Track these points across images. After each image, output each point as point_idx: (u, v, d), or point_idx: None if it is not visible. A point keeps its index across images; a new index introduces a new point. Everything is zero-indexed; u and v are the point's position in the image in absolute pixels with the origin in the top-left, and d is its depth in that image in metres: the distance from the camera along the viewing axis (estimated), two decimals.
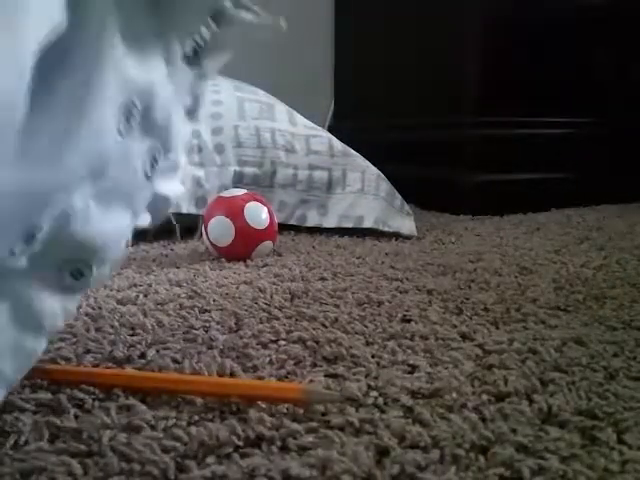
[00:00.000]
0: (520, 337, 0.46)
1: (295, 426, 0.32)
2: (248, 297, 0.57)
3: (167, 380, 0.37)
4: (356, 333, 0.47)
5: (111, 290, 0.60)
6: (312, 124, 1.03)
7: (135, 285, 0.62)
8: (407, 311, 0.53)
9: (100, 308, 0.53)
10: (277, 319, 0.51)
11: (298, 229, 0.95)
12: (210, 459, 0.29)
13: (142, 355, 0.43)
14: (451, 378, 0.38)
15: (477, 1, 1.17)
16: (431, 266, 0.71)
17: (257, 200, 0.76)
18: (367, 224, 0.93)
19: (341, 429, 0.32)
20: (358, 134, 1.25)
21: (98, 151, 0.22)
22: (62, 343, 0.44)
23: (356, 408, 0.34)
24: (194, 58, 0.26)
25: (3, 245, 0.20)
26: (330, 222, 0.94)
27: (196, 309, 0.54)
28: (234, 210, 0.74)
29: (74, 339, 0.45)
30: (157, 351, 0.43)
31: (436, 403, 0.35)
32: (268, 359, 0.42)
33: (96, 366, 0.41)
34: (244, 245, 0.74)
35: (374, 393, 0.36)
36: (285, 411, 0.34)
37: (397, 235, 0.92)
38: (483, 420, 0.33)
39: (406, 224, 0.93)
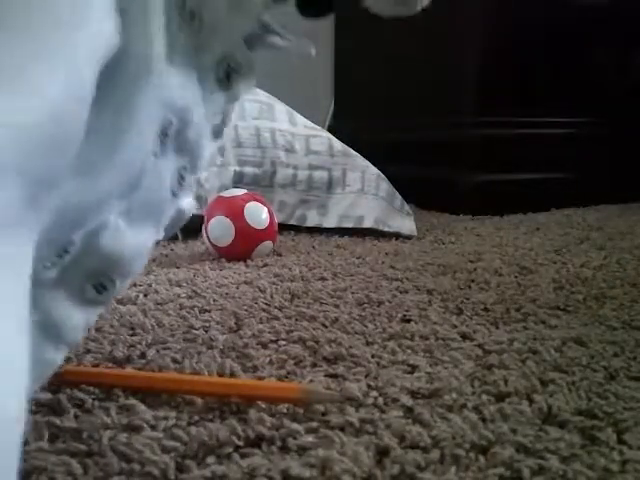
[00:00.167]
0: (520, 337, 0.46)
1: (295, 426, 0.32)
2: (248, 297, 0.57)
3: (167, 380, 0.37)
4: (356, 333, 0.47)
5: None
6: (312, 124, 1.03)
7: (135, 285, 0.62)
8: (407, 311, 0.53)
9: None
10: (277, 319, 0.51)
11: (298, 229, 0.95)
12: (210, 459, 0.29)
13: (142, 355, 0.43)
14: (451, 378, 0.38)
15: (477, 1, 1.17)
16: (431, 266, 0.71)
17: (257, 200, 0.76)
18: (367, 224, 0.93)
19: (341, 429, 0.32)
20: (358, 134, 1.25)
21: (134, 169, 0.22)
22: None
23: (356, 408, 0.34)
24: (226, 81, 0.26)
25: (40, 258, 0.20)
26: (330, 222, 0.94)
27: (196, 309, 0.54)
28: (234, 210, 0.74)
29: None
30: (157, 351, 0.43)
31: (436, 403, 0.35)
32: (268, 359, 0.42)
33: (96, 366, 0.41)
34: (244, 245, 0.74)
35: (374, 393, 0.36)
36: (285, 411, 0.34)
37: (397, 235, 0.92)
38: (483, 420, 0.33)
39: (406, 224, 0.93)
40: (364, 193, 0.96)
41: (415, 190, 1.13)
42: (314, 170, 0.96)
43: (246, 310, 0.53)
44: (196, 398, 0.35)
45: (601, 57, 1.27)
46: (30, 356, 0.20)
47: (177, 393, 0.35)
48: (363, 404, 0.35)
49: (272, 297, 0.57)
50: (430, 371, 0.40)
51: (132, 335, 0.47)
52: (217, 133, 0.27)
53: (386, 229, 0.92)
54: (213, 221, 0.74)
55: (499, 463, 0.29)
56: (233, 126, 0.95)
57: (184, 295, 0.58)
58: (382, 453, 0.30)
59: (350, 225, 0.93)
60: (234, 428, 0.31)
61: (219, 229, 0.74)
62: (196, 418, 0.33)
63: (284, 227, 0.92)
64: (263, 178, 0.95)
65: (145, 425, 0.32)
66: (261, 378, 0.39)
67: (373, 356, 0.43)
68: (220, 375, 0.39)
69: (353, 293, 0.59)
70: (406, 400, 0.35)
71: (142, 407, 0.34)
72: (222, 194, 0.78)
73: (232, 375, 0.39)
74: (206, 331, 0.48)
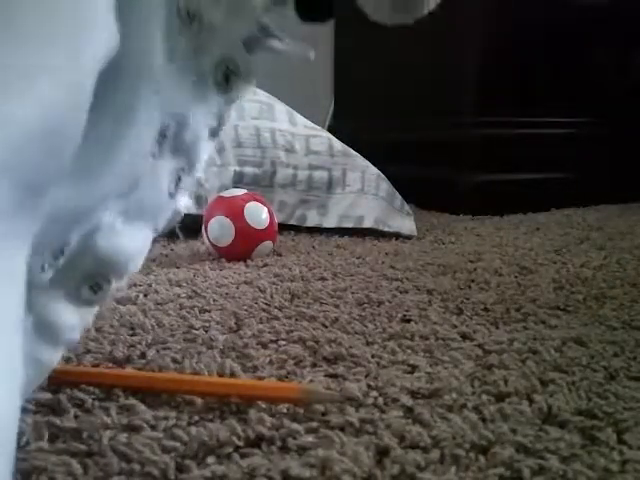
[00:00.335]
0: (520, 337, 0.46)
1: (295, 426, 0.32)
2: (248, 297, 0.57)
3: (167, 380, 0.37)
4: (356, 333, 0.47)
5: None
6: (312, 124, 1.03)
7: (135, 285, 0.62)
8: (407, 311, 0.53)
9: (100, 308, 0.53)
10: (277, 319, 0.51)
11: (298, 229, 0.95)
12: (210, 459, 0.29)
13: (142, 355, 0.43)
14: (451, 378, 0.38)
15: (477, 1, 1.17)
16: (431, 266, 0.71)
17: (257, 200, 0.76)
18: (367, 224, 0.93)
19: (341, 429, 0.32)
20: (358, 134, 1.25)
21: (132, 172, 0.22)
22: None
23: (356, 408, 0.34)
24: (224, 84, 0.26)
25: (37, 261, 0.20)
26: (330, 222, 0.94)
27: (196, 309, 0.54)
28: (234, 210, 0.74)
29: None
30: (157, 351, 0.43)
31: (436, 403, 0.35)
32: (268, 359, 0.42)
33: (96, 366, 0.41)
34: (244, 245, 0.74)
35: (374, 393, 0.36)
36: (285, 411, 0.34)
37: (397, 235, 0.92)
38: (483, 420, 0.33)
39: (406, 224, 0.93)
40: (364, 193, 0.96)
41: (415, 190, 1.13)
42: (314, 170, 0.96)
43: (246, 310, 0.53)
44: (196, 398, 0.35)
45: (601, 57, 1.27)
46: (26, 356, 0.20)
47: (177, 393, 0.35)
48: (363, 404, 0.35)
49: (272, 297, 0.57)
50: (430, 371, 0.40)
51: (132, 335, 0.47)
52: (214, 133, 0.27)
53: (386, 229, 0.92)
54: (213, 221, 0.74)
55: (499, 463, 0.29)
56: (233, 126, 0.95)
57: (184, 295, 0.58)
58: (382, 453, 0.30)
59: (350, 225, 0.93)
60: (234, 428, 0.31)
61: (219, 229, 0.74)
62: (196, 418, 0.33)
63: (284, 227, 0.92)
64: (263, 178, 0.95)
65: (145, 425, 0.32)
66: (261, 378, 0.39)
67: (373, 356, 0.43)
68: (220, 375, 0.39)
69: (353, 293, 0.59)
70: (406, 400, 0.35)
71: (142, 407, 0.34)
72: (222, 194, 0.78)
73: (232, 375, 0.39)
74: (206, 331, 0.48)
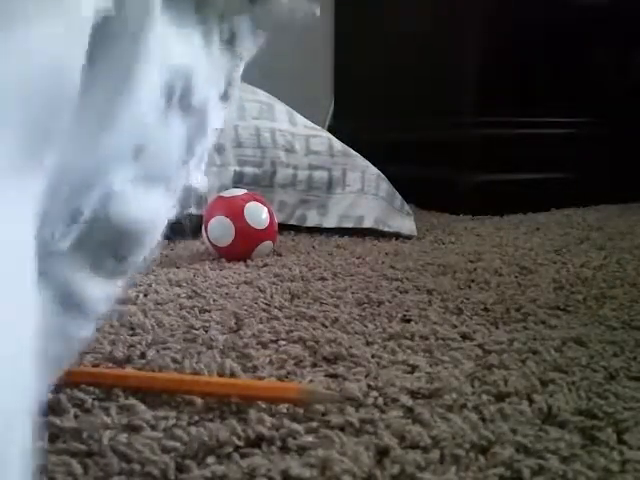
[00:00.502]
0: (520, 337, 0.46)
1: (295, 426, 0.32)
2: (248, 297, 0.57)
3: (167, 380, 0.37)
4: (356, 333, 0.47)
5: None
6: (312, 124, 1.03)
7: (135, 285, 0.62)
8: (407, 311, 0.53)
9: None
10: (277, 319, 0.51)
11: (298, 229, 0.95)
12: (210, 459, 0.29)
13: (142, 355, 0.43)
14: (451, 378, 0.38)
15: (477, 1, 1.17)
16: (431, 266, 0.71)
17: (257, 200, 0.76)
18: (367, 224, 0.93)
19: (341, 429, 0.32)
20: (358, 134, 1.25)
21: (138, 131, 0.22)
22: None
23: (356, 408, 0.34)
24: (230, 42, 0.25)
25: (47, 228, 0.20)
26: (330, 222, 0.94)
27: (196, 309, 0.54)
28: (234, 210, 0.74)
29: None
30: (157, 351, 0.43)
31: (436, 403, 0.35)
32: (268, 359, 0.42)
33: (96, 366, 0.41)
34: (244, 245, 0.74)
35: (374, 393, 0.36)
36: (285, 411, 0.34)
37: (397, 235, 0.92)
38: (483, 420, 0.33)
39: (406, 224, 0.93)
40: (364, 193, 0.96)
41: (415, 190, 1.13)
42: (314, 170, 0.96)
43: (246, 310, 0.53)
44: (196, 398, 0.35)
45: (601, 57, 1.27)
46: (54, 331, 0.20)
47: (177, 393, 0.35)
48: (363, 404, 0.35)
49: (272, 297, 0.57)
50: (430, 371, 0.40)
51: (132, 335, 0.47)
52: (224, 97, 0.26)
53: (386, 229, 0.92)
54: (213, 221, 0.74)
55: (499, 463, 0.29)
56: (233, 126, 0.95)
57: (184, 295, 0.58)
58: (382, 453, 0.30)
59: (350, 225, 0.93)
60: (234, 428, 0.31)
61: (219, 229, 0.74)
62: (196, 418, 0.33)
63: (284, 227, 0.92)
64: (263, 178, 0.95)
65: (145, 425, 0.32)
66: (261, 378, 0.39)
67: (373, 356, 0.43)
68: (220, 375, 0.39)
69: (353, 293, 0.59)
70: (406, 400, 0.35)
71: (142, 407, 0.34)
72: (222, 194, 0.78)
73: (232, 375, 0.39)
74: (206, 331, 0.48)
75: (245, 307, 0.54)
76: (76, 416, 0.33)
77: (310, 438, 0.31)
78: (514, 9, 1.18)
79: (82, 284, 0.22)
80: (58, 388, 0.36)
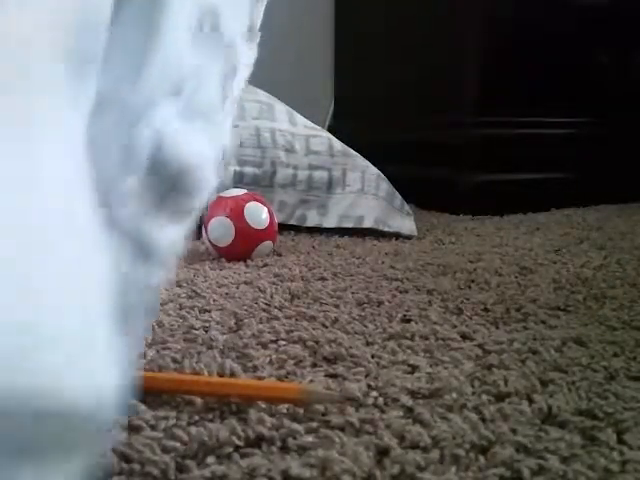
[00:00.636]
0: (520, 337, 0.46)
1: (295, 426, 0.32)
2: (248, 297, 0.57)
3: (167, 380, 0.37)
4: (356, 333, 0.47)
5: None
6: (312, 124, 1.03)
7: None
8: (407, 311, 0.53)
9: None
10: (277, 319, 0.51)
11: (298, 229, 0.94)
12: (210, 459, 0.29)
13: (142, 355, 0.43)
14: (451, 378, 0.38)
15: (477, 1, 1.17)
16: (431, 266, 0.71)
17: (257, 200, 0.76)
18: (367, 224, 0.93)
19: (341, 429, 0.32)
20: (358, 134, 1.25)
21: (176, 66, 0.21)
22: None
23: (356, 408, 0.34)
24: None
25: (106, 172, 0.20)
26: (330, 222, 0.94)
27: (196, 309, 0.54)
28: (234, 210, 0.74)
29: None
30: (157, 351, 0.43)
31: (436, 403, 0.35)
32: (268, 359, 0.42)
33: None
34: (244, 245, 0.74)
35: (374, 393, 0.36)
36: (285, 411, 0.34)
37: (397, 235, 0.92)
38: (483, 420, 0.33)
39: (406, 224, 0.93)
40: (364, 193, 0.96)
41: (415, 190, 1.13)
42: (314, 170, 0.96)
43: (246, 310, 0.53)
44: (196, 398, 0.35)
45: (601, 57, 1.27)
46: (126, 280, 0.20)
47: (177, 393, 0.35)
48: (363, 404, 0.35)
49: (272, 297, 0.57)
50: (430, 371, 0.40)
51: None
52: (250, 36, 0.26)
53: (386, 229, 0.92)
54: (213, 221, 0.74)
55: (499, 463, 0.29)
56: (233, 126, 0.95)
57: (184, 295, 0.58)
58: (382, 453, 0.30)
59: (350, 225, 0.93)
60: (234, 428, 0.31)
61: (219, 229, 0.74)
62: (196, 418, 0.33)
63: (284, 227, 0.92)
64: (263, 178, 0.95)
65: (145, 425, 0.32)
66: (261, 378, 0.39)
67: (373, 356, 0.43)
68: (220, 375, 0.39)
69: (353, 293, 0.59)
70: (406, 400, 0.35)
71: (142, 407, 0.34)
72: (222, 194, 0.78)
73: (232, 375, 0.39)
74: (206, 331, 0.48)
75: (245, 307, 0.54)
76: None
77: (310, 438, 0.31)
78: (514, 9, 1.18)
79: (149, 228, 0.21)
80: None
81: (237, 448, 0.30)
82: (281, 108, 1.02)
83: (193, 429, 0.31)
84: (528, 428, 0.32)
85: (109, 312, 0.16)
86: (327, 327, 0.49)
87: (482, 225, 1.03)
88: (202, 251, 0.80)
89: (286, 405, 0.34)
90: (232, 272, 0.68)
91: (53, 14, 0.15)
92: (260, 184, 0.94)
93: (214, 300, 0.56)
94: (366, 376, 0.39)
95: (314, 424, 0.32)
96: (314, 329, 0.48)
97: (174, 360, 0.42)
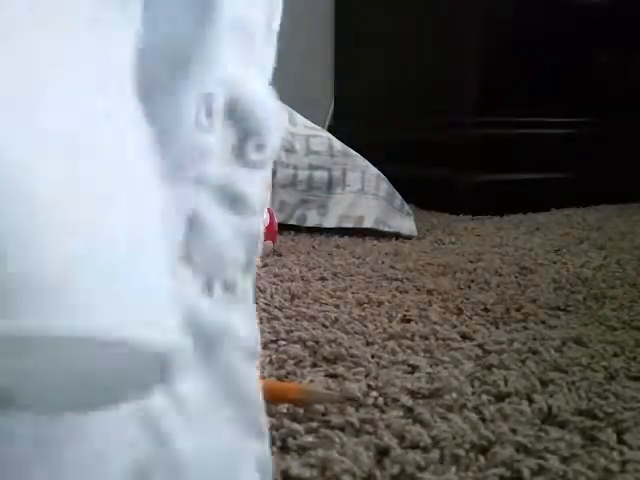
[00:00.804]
0: (520, 337, 0.46)
1: (295, 426, 0.32)
2: None
3: None
4: (356, 333, 0.47)
5: None
6: (312, 124, 1.03)
7: None
8: (407, 311, 0.53)
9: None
10: (277, 319, 0.51)
11: (298, 229, 0.94)
12: None
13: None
14: (451, 378, 0.38)
15: (477, 1, 1.17)
16: (431, 266, 0.71)
17: None
18: (367, 224, 0.93)
19: (341, 429, 0.32)
20: (358, 134, 1.25)
21: (235, 8, 0.21)
22: None
23: (356, 408, 0.34)
24: None
25: (187, 126, 0.20)
26: (330, 222, 0.94)
27: None
28: None
29: None
30: None
31: (436, 403, 0.35)
32: (268, 359, 0.42)
33: None
34: None
35: (374, 393, 0.36)
36: (285, 411, 0.34)
37: (397, 235, 0.92)
38: (483, 420, 0.33)
39: (406, 224, 0.93)
40: (364, 193, 0.96)
41: (415, 190, 1.13)
42: (314, 170, 0.96)
43: None
44: None
45: (601, 57, 1.27)
46: (226, 229, 0.20)
47: None
48: (363, 404, 0.35)
49: (272, 297, 0.57)
50: (430, 371, 0.40)
51: None
52: None
53: (386, 229, 0.92)
54: None
55: (499, 463, 0.29)
56: None
57: None
58: (382, 453, 0.30)
59: (350, 225, 0.93)
60: None
61: None
62: None
63: (284, 227, 0.92)
64: None
65: None
66: (261, 378, 0.39)
67: (373, 356, 0.43)
68: None
69: (353, 293, 0.59)
70: (406, 400, 0.35)
71: None
72: None
73: None
74: None
75: None
76: None
77: (310, 438, 0.31)
78: (514, 9, 1.18)
79: (236, 177, 0.21)
80: None
81: None
82: (281, 108, 1.02)
83: None
84: (528, 428, 0.32)
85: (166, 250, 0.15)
86: (327, 327, 0.49)
87: (482, 225, 1.03)
88: None
89: (286, 405, 0.34)
90: None
91: None
92: None
93: None
94: (366, 376, 0.39)
95: (314, 424, 0.32)
96: (314, 329, 0.48)
97: None
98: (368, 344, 0.45)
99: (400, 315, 0.52)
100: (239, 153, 0.22)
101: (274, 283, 0.63)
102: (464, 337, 0.47)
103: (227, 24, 0.21)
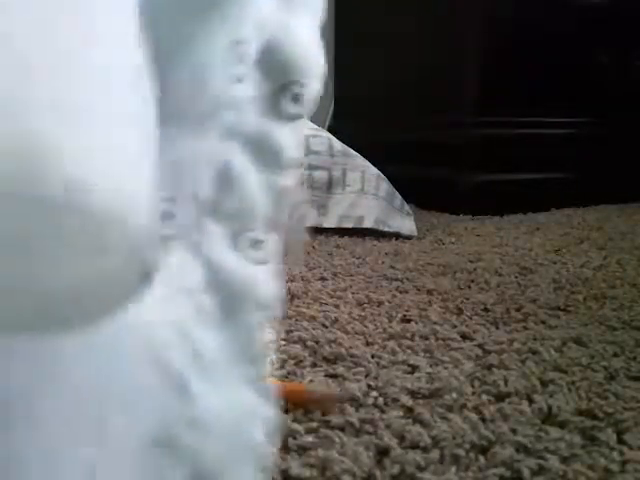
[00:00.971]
0: (520, 337, 0.46)
1: (295, 426, 0.32)
2: None
3: None
4: (356, 333, 0.47)
5: None
6: (312, 124, 1.03)
7: None
8: (407, 311, 0.53)
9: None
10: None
11: None
12: None
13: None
14: (451, 378, 0.38)
15: (477, 1, 1.17)
16: (431, 266, 0.71)
17: None
18: (367, 224, 0.93)
19: (341, 429, 0.32)
20: (358, 134, 1.25)
21: None
22: None
23: (356, 408, 0.34)
24: None
25: (219, 74, 0.19)
26: (330, 222, 0.94)
27: None
28: None
29: None
30: None
31: (436, 403, 0.35)
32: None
33: None
34: None
35: (374, 393, 0.36)
36: (285, 411, 0.34)
37: (397, 235, 0.92)
38: (483, 420, 0.33)
39: (406, 224, 0.93)
40: (364, 193, 0.96)
41: (415, 190, 1.13)
42: (314, 170, 0.96)
43: None
44: None
45: (601, 57, 1.27)
46: (258, 184, 0.19)
47: None
48: (363, 404, 0.35)
49: None
50: (430, 371, 0.40)
51: None
52: None
53: (386, 229, 0.92)
54: None
55: (499, 463, 0.29)
56: None
57: None
58: (382, 453, 0.30)
59: (350, 225, 0.93)
60: None
61: None
62: None
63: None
64: None
65: None
66: None
67: (373, 356, 0.43)
68: None
69: (353, 293, 0.59)
70: (406, 400, 0.35)
71: None
72: None
73: None
74: None
75: None
76: None
77: (310, 438, 0.31)
78: (514, 9, 1.18)
79: (270, 129, 0.21)
80: None
81: None
82: None
83: None
84: (528, 428, 0.32)
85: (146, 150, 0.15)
86: (327, 327, 0.49)
87: (482, 225, 1.03)
88: None
89: (286, 405, 0.34)
90: None
91: None
92: None
93: None
94: (366, 376, 0.39)
95: (314, 424, 0.32)
96: (314, 329, 0.48)
97: None
98: (368, 344, 0.45)
99: (400, 315, 0.52)
100: (274, 104, 0.21)
101: None
102: (464, 337, 0.47)
103: None
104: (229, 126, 0.19)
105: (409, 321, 0.51)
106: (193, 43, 0.18)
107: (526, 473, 0.28)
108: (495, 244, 0.86)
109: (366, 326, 0.49)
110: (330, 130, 1.19)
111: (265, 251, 0.19)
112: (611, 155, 1.27)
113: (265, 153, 0.20)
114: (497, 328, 0.49)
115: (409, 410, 0.34)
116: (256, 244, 0.19)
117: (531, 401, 0.35)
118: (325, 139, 1.00)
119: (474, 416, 0.33)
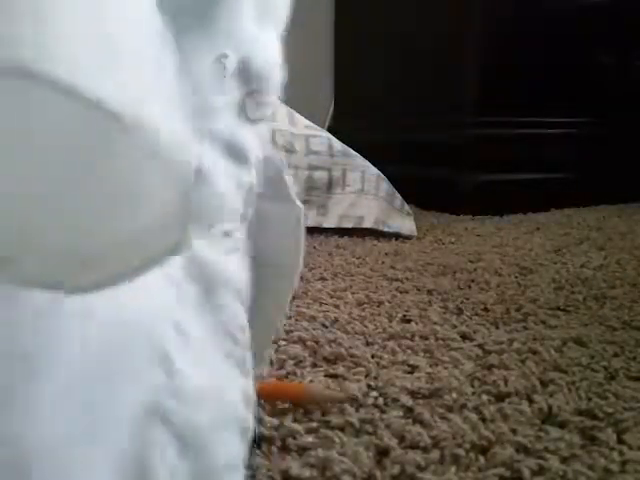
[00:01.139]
0: (520, 337, 0.46)
1: (295, 426, 0.32)
2: None
3: None
4: (356, 333, 0.47)
5: None
6: (312, 124, 1.03)
7: None
8: (407, 311, 0.53)
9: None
10: None
11: None
12: None
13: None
14: (451, 378, 0.38)
15: (477, 1, 1.17)
16: (431, 266, 0.71)
17: None
18: (367, 224, 0.93)
19: (341, 429, 0.32)
20: (358, 134, 1.25)
21: None
22: None
23: (356, 408, 0.34)
24: None
25: (206, 87, 0.20)
26: (330, 222, 0.94)
27: None
28: None
29: None
30: None
31: (436, 403, 0.35)
32: (268, 359, 0.42)
33: None
34: None
35: (374, 393, 0.36)
36: (285, 411, 0.34)
37: (397, 235, 0.92)
38: (483, 420, 0.33)
39: (406, 224, 0.93)
40: (364, 193, 0.96)
41: (415, 190, 1.13)
42: (314, 170, 0.96)
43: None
44: None
45: (601, 57, 1.27)
46: (229, 183, 0.21)
47: None
48: (363, 404, 0.35)
49: None
50: (430, 371, 0.40)
51: None
52: None
53: (386, 229, 0.92)
54: None
55: (499, 463, 0.29)
56: None
57: None
58: (382, 453, 0.30)
59: (350, 225, 0.93)
60: None
61: None
62: None
63: None
64: None
65: None
66: (261, 378, 0.39)
67: (373, 356, 0.43)
68: None
69: (353, 293, 0.59)
70: (406, 400, 0.35)
71: None
72: None
73: None
74: None
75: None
76: None
77: (310, 438, 0.31)
78: (514, 9, 1.18)
79: (239, 131, 0.22)
80: None
81: None
82: (281, 108, 1.02)
83: None
84: (528, 428, 0.32)
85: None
86: (327, 327, 0.49)
87: (482, 225, 1.03)
88: None
89: (286, 405, 0.34)
90: None
91: None
92: None
93: None
94: (366, 376, 0.39)
95: (314, 424, 0.32)
96: (314, 329, 0.48)
97: None
98: (368, 344, 0.45)
99: (400, 315, 0.52)
100: (242, 109, 0.22)
101: None
102: (464, 337, 0.47)
103: None
104: (204, 130, 0.21)
105: (409, 321, 0.51)
106: (184, 59, 0.20)
107: (526, 473, 0.28)
108: (495, 244, 0.86)
109: (366, 326, 0.49)
110: (330, 130, 1.19)
111: (235, 241, 0.21)
112: (611, 155, 1.27)
113: (235, 154, 0.22)
114: (497, 328, 0.49)
115: (409, 410, 0.34)
116: (227, 235, 0.21)
117: (531, 401, 0.35)
118: (325, 139, 1.00)
119: (474, 416, 0.33)
